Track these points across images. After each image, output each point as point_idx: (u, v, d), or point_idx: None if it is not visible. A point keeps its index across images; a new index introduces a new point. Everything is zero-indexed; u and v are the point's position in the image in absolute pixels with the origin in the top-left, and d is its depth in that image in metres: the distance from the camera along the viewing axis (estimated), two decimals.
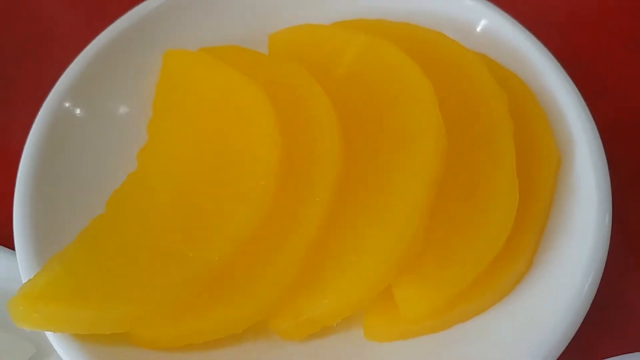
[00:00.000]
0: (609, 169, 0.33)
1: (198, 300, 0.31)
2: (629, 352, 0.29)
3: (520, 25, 0.38)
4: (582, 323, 0.29)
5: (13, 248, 0.32)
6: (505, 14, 0.38)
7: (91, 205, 0.34)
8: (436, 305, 0.30)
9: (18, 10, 0.50)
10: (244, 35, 0.41)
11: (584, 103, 0.35)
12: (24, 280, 0.31)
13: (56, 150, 0.34)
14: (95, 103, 0.37)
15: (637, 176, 0.40)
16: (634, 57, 0.45)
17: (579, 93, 0.35)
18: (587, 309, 0.29)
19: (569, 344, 0.29)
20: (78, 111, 0.36)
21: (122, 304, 0.30)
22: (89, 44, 0.39)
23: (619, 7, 0.47)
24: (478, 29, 0.39)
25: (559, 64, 0.36)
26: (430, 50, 0.37)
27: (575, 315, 0.29)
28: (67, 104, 0.36)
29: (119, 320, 0.30)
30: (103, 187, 0.35)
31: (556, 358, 0.29)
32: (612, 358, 0.28)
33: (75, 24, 0.50)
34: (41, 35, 0.49)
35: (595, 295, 0.30)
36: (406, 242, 0.30)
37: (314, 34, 0.39)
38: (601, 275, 0.30)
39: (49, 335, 0.30)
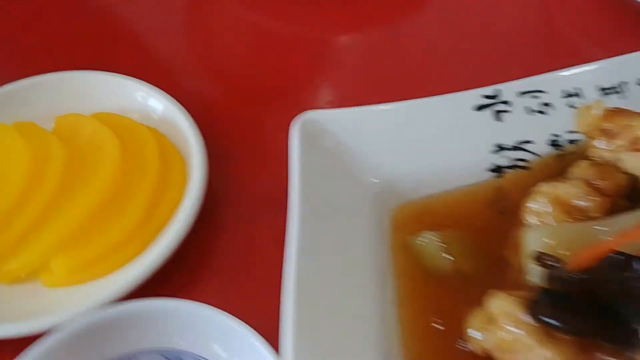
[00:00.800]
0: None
1: None
2: None
3: (179, 107, 0.66)
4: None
5: None
6: (175, 102, 0.66)
7: None
8: (72, 269, 0.56)
9: None
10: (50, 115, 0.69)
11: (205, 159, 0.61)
12: None
13: None
14: None
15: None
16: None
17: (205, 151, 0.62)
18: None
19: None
20: None
21: None
22: None
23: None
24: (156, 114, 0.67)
25: (197, 132, 0.63)
26: (126, 126, 0.65)
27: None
28: None
29: None
30: None
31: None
32: None
33: None
34: None
35: None
36: (69, 230, 0.57)
37: (73, 119, 0.67)
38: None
39: None
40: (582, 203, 0.53)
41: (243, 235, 0.64)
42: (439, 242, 0.57)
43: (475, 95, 0.63)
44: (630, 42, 0.73)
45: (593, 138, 0.57)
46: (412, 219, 0.60)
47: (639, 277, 0.42)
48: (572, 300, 0.43)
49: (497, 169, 0.62)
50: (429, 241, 0.57)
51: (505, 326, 0.44)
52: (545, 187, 0.55)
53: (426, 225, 0.59)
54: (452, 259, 0.56)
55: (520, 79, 0.64)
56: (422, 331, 0.53)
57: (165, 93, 0.68)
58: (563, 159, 0.61)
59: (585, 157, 0.57)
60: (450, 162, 0.62)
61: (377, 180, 0.61)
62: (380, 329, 0.52)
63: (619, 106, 0.57)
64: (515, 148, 0.62)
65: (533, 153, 0.62)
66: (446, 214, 0.60)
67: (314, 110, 0.61)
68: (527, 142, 0.62)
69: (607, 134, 0.56)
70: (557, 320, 0.42)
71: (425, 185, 0.62)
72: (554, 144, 0.62)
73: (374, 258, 0.57)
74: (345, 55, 0.82)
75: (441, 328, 0.53)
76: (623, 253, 0.44)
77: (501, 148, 0.62)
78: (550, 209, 0.54)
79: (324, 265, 0.53)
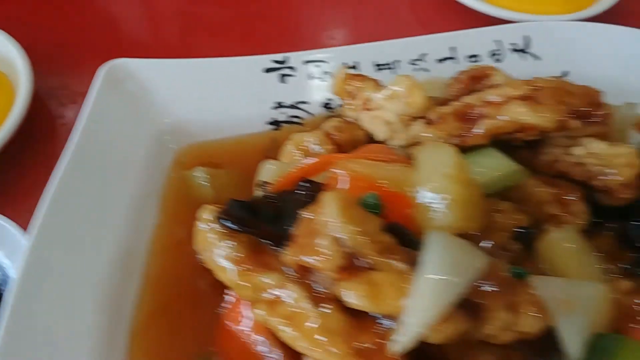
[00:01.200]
0: None
1: None
2: None
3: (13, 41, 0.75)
4: None
5: None
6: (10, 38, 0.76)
7: None
8: None
9: None
10: None
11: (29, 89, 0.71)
12: None
13: None
14: None
15: None
16: None
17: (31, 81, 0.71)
18: None
19: None
20: None
21: None
22: None
23: None
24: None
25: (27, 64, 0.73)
26: None
27: None
28: None
29: None
30: None
31: None
32: None
33: None
34: None
35: None
36: None
37: None
38: None
39: None
40: (316, 148, 0.64)
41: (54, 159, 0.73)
42: (207, 176, 0.67)
43: (267, 60, 0.73)
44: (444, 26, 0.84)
45: (344, 99, 0.67)
46: (192, 157, 0.70)
47: (306, 195, 0.52)
48: (254, 210, 0.53)
49: (275, 123, 0.72)
50: (197, 175, 0.67)
51: (200, 227, 0.54)
52: (295, 136, 0.66)
53: (203, 164, 0.69)
54: (215, 190, 0.67)
55: (308, 50, 0.74)
56: (168, 243, 0.63)
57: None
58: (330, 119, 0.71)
59: (340, 116, 0.68)
60: (236, 113, 0.72)
61: (167, 124, 0.71)
62: (131, 234, 0.62)
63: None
64: (292, 106, 0.72)
65: (307, 112, 0.72)
66: (223, 156, 0.70)
67: (123, 58, 0.71)
68: (304, 102, 0.72)
69: (351, 96, 0.66)
70: (232, 223, 0.52)
71: (211, 130, 0.72)
72: (327, 106, 0.73)
73: (147, 185, 0.67)
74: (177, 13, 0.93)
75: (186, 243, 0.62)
76: (309, 180, 0.55)
77: (281, 105, 0.72)
78: (295, 152, 0.65)
79: (90, 182, 0.62)
